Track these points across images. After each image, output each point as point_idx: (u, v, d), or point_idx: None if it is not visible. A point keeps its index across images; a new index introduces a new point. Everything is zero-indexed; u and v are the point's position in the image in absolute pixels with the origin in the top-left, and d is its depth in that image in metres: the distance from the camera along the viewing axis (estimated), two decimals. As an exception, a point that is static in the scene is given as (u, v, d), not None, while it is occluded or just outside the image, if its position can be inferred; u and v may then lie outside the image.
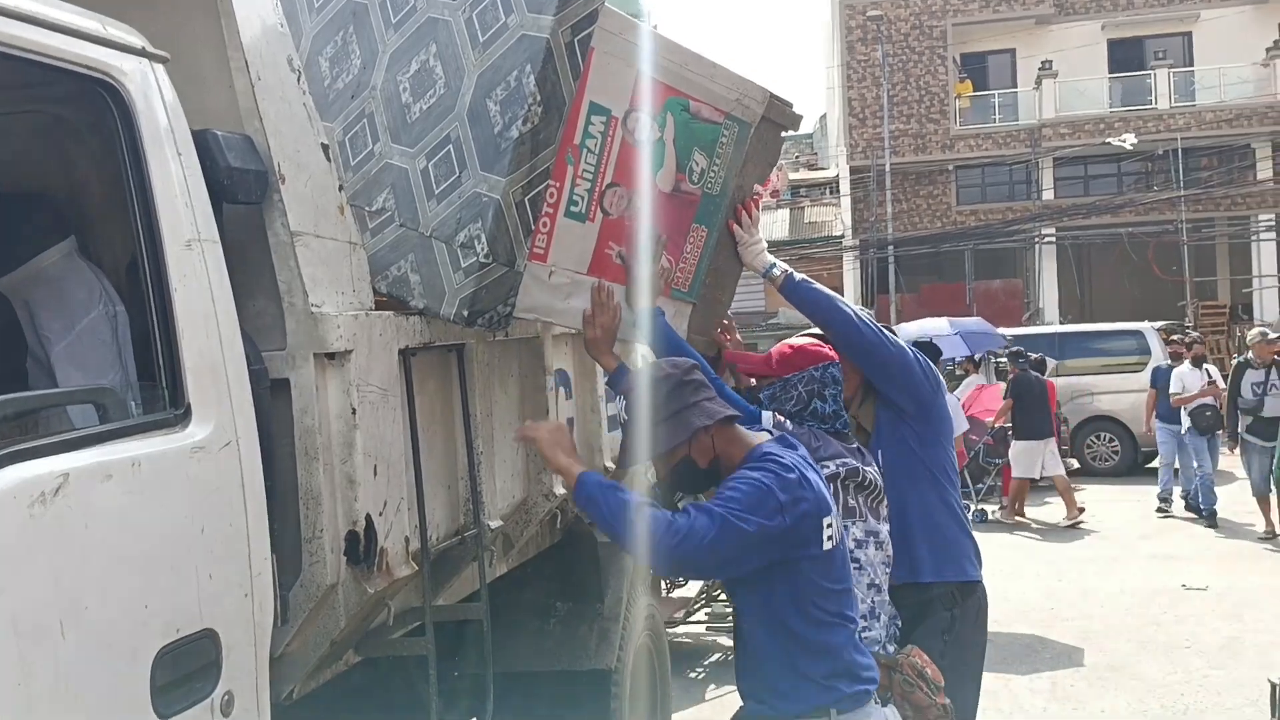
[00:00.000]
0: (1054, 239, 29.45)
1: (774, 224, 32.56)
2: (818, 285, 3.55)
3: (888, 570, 3.14)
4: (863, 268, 30.76)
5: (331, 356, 2.53)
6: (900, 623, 3.15)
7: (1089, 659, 6.90)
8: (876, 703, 2.74)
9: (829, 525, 2.59)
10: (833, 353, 3.26)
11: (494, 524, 3.25)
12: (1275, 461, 10.06)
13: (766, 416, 3.14)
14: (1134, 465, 15.00)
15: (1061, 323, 24.09)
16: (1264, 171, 28.30)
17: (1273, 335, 11.04)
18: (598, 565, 4.31)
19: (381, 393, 2.67)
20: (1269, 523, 10.47)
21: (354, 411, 2.55)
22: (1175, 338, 13.12)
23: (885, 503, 3.18)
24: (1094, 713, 5.97)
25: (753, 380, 3.47)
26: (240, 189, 2.38)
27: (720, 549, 2.46)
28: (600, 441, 4.15)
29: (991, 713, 5.99)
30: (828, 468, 3.00)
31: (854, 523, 3.04)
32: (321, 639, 2.57)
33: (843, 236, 31.28)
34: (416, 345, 2.88)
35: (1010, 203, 30.51)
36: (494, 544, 3.47)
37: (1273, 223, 28.17)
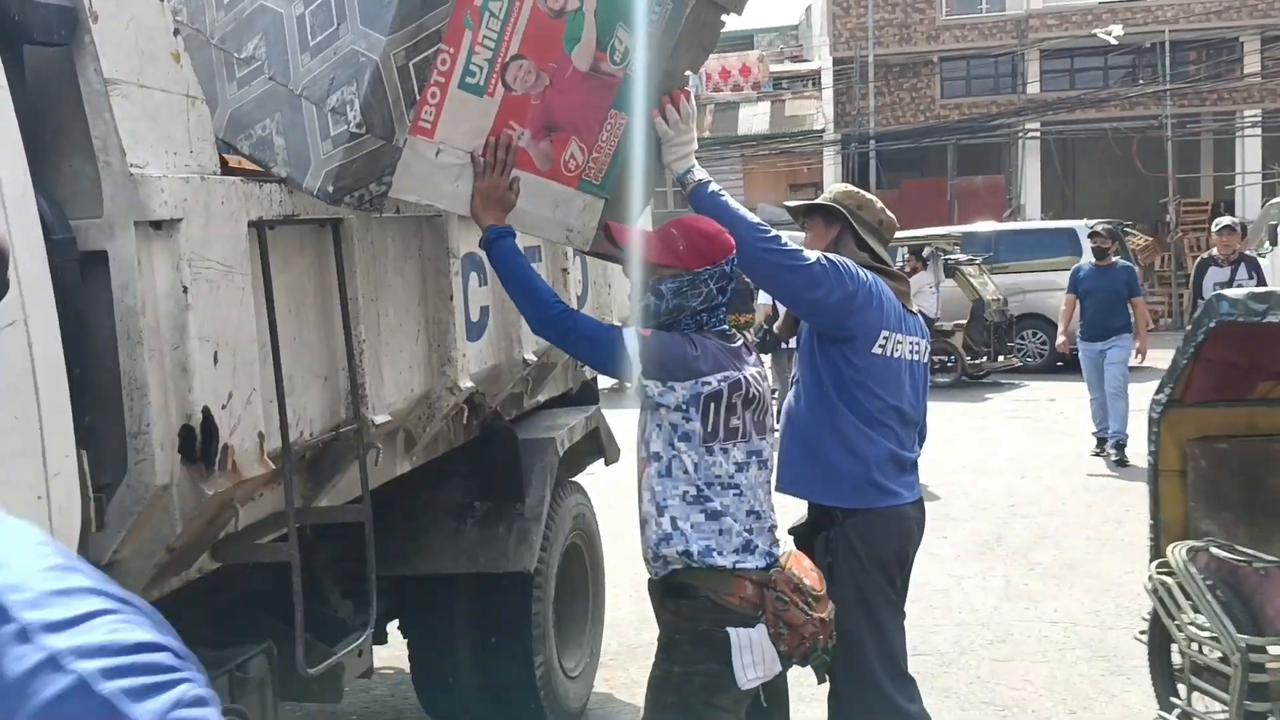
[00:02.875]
0: (1038, 134, 28.92)
1: (754, 117, 31.90)
2: (731, 203, 3.19)
3: (769, 489, 2.93)
4: (844, 162, 30.21)
5: (157, 226, 2.19)
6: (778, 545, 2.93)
7: (1045, 556, 6.74)
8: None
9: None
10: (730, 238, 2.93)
11: (379, 419, 2.96)
12: None
13: (628, 334, 2.77)
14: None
15: (1043, 219, 23.75)
16: (1251, 65, 27.72)
17: (1233, 223, 9.97)
18: (517, 463, 4.05)
19: (224, 269, 2.34)
20: None
21: (185, 290, 2.22)
22: (1099, 228, 10.59)
23: (770, 412, 2.93)
24: (1046, 611, 5.82)
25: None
26: (39, 27, 2.03)
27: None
28: (520, 332, 3.84)
29: (941, 612, 5.83)
30: (709, 384, 2.74)
31: (735, 444, 2.79)
32: (155, 546, 2.29)
33: (824, 130, 30.65)
34: (274, 218, 2.54)
35: (995, 96, 29.88)
36: (385, 440, 3.19)
37: (1258, 118, 27.67)
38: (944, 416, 10.47)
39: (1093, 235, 10.03)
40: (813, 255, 3.18)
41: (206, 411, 2.28)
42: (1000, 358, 14.30)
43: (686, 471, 2.76)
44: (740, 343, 2.91)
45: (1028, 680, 4.97)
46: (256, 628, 3.15)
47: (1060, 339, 10.12)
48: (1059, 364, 14.27)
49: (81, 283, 2.12)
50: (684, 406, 2.74)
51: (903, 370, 3.32)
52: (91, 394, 2.14)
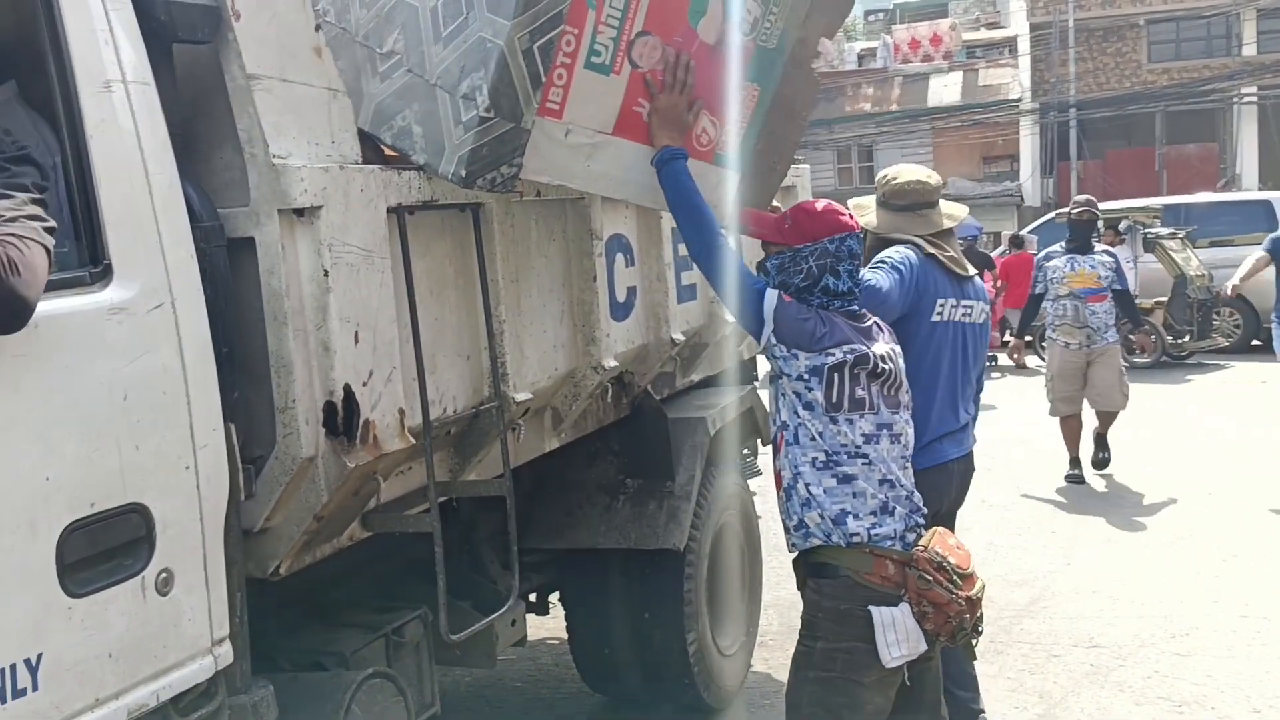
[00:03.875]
0: (1255, 99, 27.06)
1: (945, 88, 30.97)
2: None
3: (905, 464, 2.88)
4: (1042, 133, 29.03)
5: (300, 213, 2.31)
6: (925, 514, 2.85)
7: (1241, 548, 6.35)
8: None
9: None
10: (854, 221, 2.91)
11: (520, 396, 3.04)
12: None
13: (770, 295, 2.81)
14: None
15: (1260, 189, 22.25)
16: None
17: None
18: (667, 442, 4.09)
19: (364, 254, 2.45)
20: None
21: (326, 274, 2.34)
22: None
23: (905, 388, 2.88)
24: (1236, 605, 5.48)
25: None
26: (184, 26, 2.17)
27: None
28: (668, 312, 3.88)
29: (1123, 604, 5.58)
30: (833, 355, 2.77)
31: (862, 415, 2.79)
32: (303, 514, 2.43)
33: (1020, 100, 29.49)
34: (413, 203, 2.64)
35: (1208, 59, 28.11)
36: (530, 418, 3.27)
37: None
38: (1145, 400, 9.96)
39: None
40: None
41: (348, 389, 2.40)
42: (1204, 339, 13.47)
43: (814, 439, 2.80)
44: (871, 322, 2.91)
45: (1210, 676, 4.71)
46: (415, 594, 3.29)
47: (1232, 284, 8.73)
48: (1254, 343, 13.37)
49: (231, 267, 2.27)
50: (805, 376, 2.78)
51: (956, 333, 3.53)
52: (242, 371, 2.28)
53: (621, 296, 3.65)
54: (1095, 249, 8.09)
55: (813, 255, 2.83)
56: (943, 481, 3.46)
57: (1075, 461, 8.16)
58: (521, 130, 2.64)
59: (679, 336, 3.99)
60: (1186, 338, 13.36)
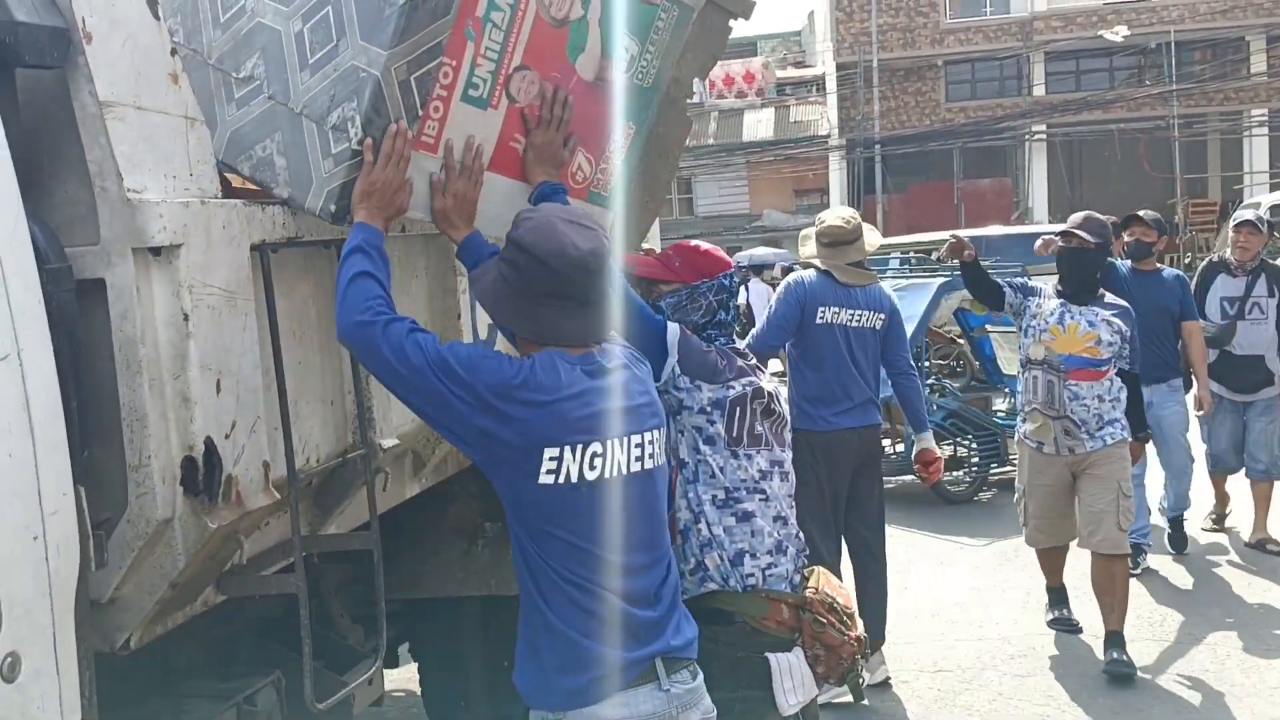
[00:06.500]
0: (1045, 136, 28.88)
1: (759, 124, 31.90)
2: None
3: (793, 504, 2.90)
4: (849, 168, 30.21)
5: (156, 252, 2.12)
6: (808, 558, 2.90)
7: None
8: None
9: (554, 458, 2.17)
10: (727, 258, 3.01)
11: (388, 443, 2.88)
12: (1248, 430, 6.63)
13: (673, 327, 2.83)
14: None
15: (1050, 222, 23.67)
16: (1258, 65, 27.66)
17: (1258, 218, 6.73)
18: (527, 483, 3.96)
19: (226, 295, 2.27)
20: (1221, 511, 7.14)
21: (186, 318, 2.15)
22: (1142, 213, 6.55)
23: (789, 426, 2.92)
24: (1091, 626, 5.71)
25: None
26: (29, 49, 1.96)
27: (395, 359, 2.17)
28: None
29: (962, 626, 5.73)
30: (734, 388, 2.78)
31: (759, 451, 2.80)
32: (158, 581, 2.22)
33: (829, 136, 30.62)
34: (278, 240, 2.47)
35: (1001, 99, 29.85)
36: (393, 464, 3.11)
37: (1265, 118, 27.59)
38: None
39: (1128, 223, 6.60)
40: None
41: (209, 442, 2.21)
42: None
43: (713, 475, 2.78)
44: (754, 360, 2.95)
45: (1050, 696, 4.88)
46: (265, 657, 3.07)
47: None
48: None
49: (79, 312, 2.05)
50: (708, 409, 2.78)
51: (839, 334, 4.87)
52: (91, 426, 2.07)
53: (484, 334, 3.52)
54: (1102, 297, 5.10)
55: (711, 291, 2.89)
56: (840, 447, 4.85)
57: (1059, 595, 5.67)
58: None
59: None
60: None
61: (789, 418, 2.94)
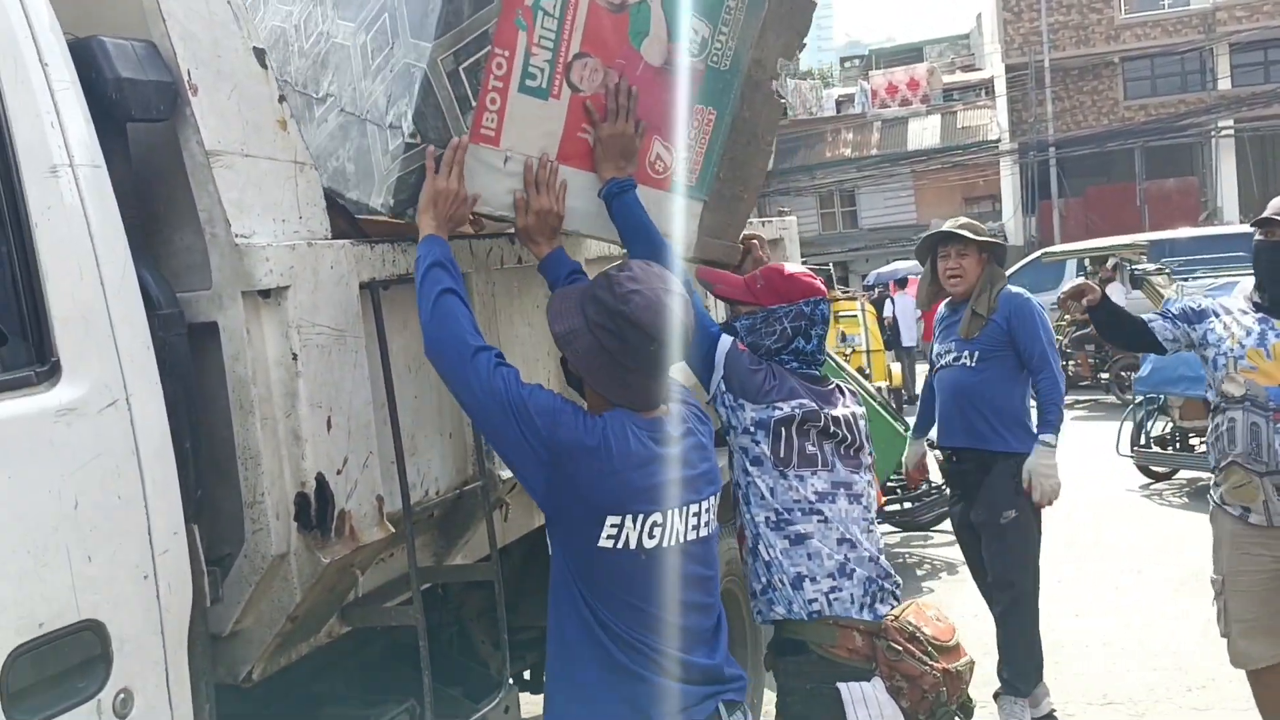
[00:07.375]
0: (1232, 132, 27.30)
1: (924, 131, 31.19)
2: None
3: (869, 527, 2.76)
4: (1022, 172, 29.21)
5: (265, 294, 2.18)
6: (898, 584, 2.77)
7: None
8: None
9: (615, 525, 2.15)
10: (823, 287, 2.87)
11: (505, 474, 2.89)
12: None
13: (725, 341, 2.77)
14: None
15: (1241, 222, 22.35)
16: None
17: None
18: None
19: (335, 334, 2.32)
20: None
21: (295, 357, 2.21)
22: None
23: (867, 450, 2.80)
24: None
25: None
26: (137, 104, 2.04)
27: (479, 388, 2.17)
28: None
29: (1133, 655, 5.42)
30: (780, 409, 2.69)
31: (814, 472, 2.70)
32: (276, 615, 2.27)
33: (999, 140, 29.69)
34: (387, 277, 2.51)
35: (1183, 95, 28.39)
36: (516, 494, 3.12)
37: None
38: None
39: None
40: None
41: (320, 478, 2.25)
42: None
43: (763, 497, 2.72)
44: (833, 386, 2.86)
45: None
46: (402, 685, 3.12)
47: None
48: None
49: (194, 354, 2.13)
50: (751, 429, 2.72)
51: None
52: (207, 465, 2.14)
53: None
54: None
55: (787, 316, 2.80)
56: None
57: None
58: None
59: (670, 400, 3.85)
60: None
61: (865, 442, 2.82)
